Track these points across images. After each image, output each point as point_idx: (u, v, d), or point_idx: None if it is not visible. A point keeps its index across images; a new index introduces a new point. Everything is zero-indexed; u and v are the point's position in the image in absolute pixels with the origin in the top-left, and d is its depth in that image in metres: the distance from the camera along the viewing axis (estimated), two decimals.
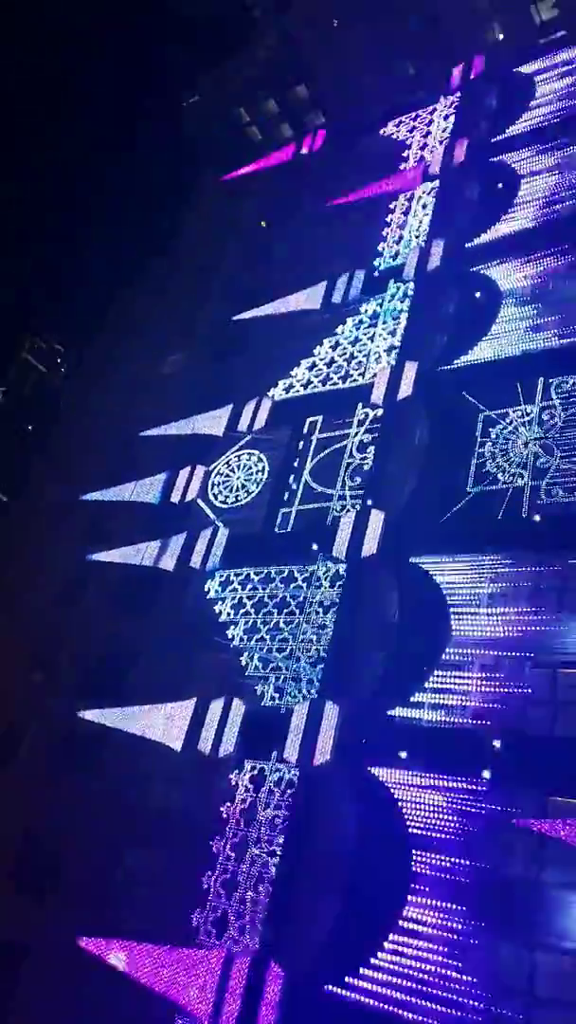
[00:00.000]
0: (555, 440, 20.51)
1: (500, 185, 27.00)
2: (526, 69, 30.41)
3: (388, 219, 28.78)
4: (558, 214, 25.03)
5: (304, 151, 35.62)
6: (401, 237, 28.11)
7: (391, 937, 15.61)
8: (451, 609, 19.13)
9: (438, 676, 18.38)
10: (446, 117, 31.05)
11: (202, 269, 34.79)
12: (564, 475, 19.84)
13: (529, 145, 27.69)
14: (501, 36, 34.02)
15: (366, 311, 27.01)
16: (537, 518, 19.04)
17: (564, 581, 18.48)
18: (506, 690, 17.62)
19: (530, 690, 17.43)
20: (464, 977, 14.89)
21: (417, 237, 27.56)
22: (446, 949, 15.22)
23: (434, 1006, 14.75)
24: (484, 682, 17.89)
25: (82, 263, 38.25)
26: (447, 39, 33.49)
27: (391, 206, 29.09)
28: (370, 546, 21.11)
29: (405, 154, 30.72)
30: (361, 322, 26.93)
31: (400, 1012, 14.93)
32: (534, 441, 20.79)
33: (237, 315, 30.34)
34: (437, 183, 28.62)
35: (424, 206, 28.49)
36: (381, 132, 32.09)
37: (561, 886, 15.31)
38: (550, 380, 21.54)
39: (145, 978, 16.96)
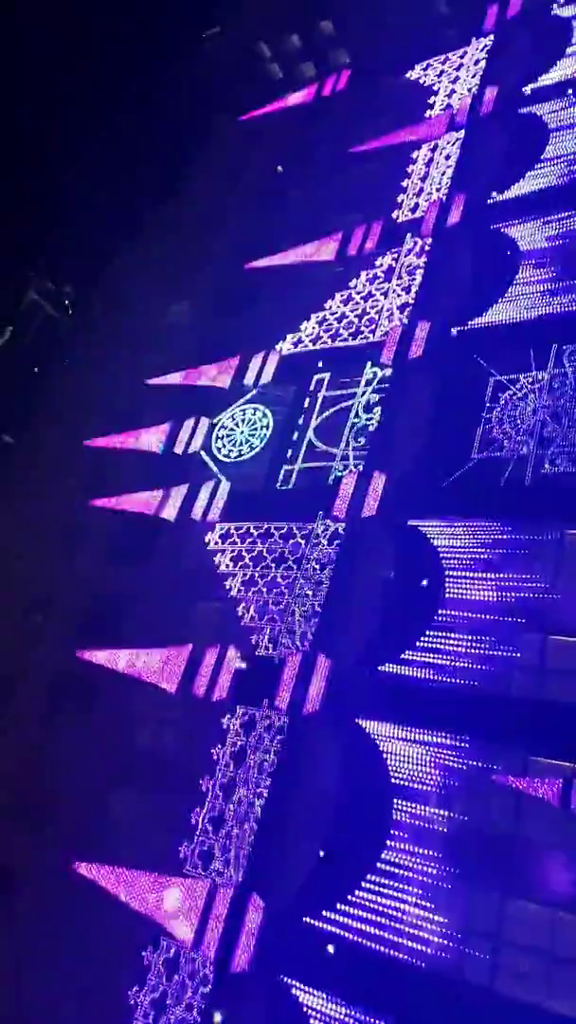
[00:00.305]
0: (565, 408, 20.86)
1: (527, 139, 26.67)
2: (564, 12, 29.60)
3: (409, 169, 28.50)
4: None
5: (326, 93, 34.90)
6: (422, 189, 27.89)
7: (368, 877, 16.77)
8: (446, 572, 19.85)
9: (429, 636, 19.20)
10: (476, 62, 30.39)
11: (213, 213, 34.54)
12: (572, 445, 20.24)
13: (562, 96, 27.20)
14: None
15: (381, 265, 27.02)
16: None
17: (561, 550, 19.12)
18: (495, 653, 18.42)
19: (519, 654, 18.23)
20: (436, 917, 16.05)
21: (438, 190, 27.37)
22: (420, 891, 16.35)
23: (406, 942, 15.96)
24: (474, 644, 18.69)
25: (91, 202, 37.84)
26: None
27: (413, 156, 28.77)
28: (370, 507, 21.72)
29: (431, 100, 30.15)
30: (375, 277, 26.96)
31: (373, 945, 16.17)
32: (543, 409, 21.13)
33: (248, 263, 30.31)
34: (463, 133, 28.24)
35: (447, 157, 28.15)
36: (408, 76, 31.45)
37: (534, 841, 16.36)
38: (564, 347, 21.77)
39: (134, 903, 18.34)
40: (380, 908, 16.55)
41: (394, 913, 16.52)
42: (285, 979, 16.42)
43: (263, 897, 17.34)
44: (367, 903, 16.66)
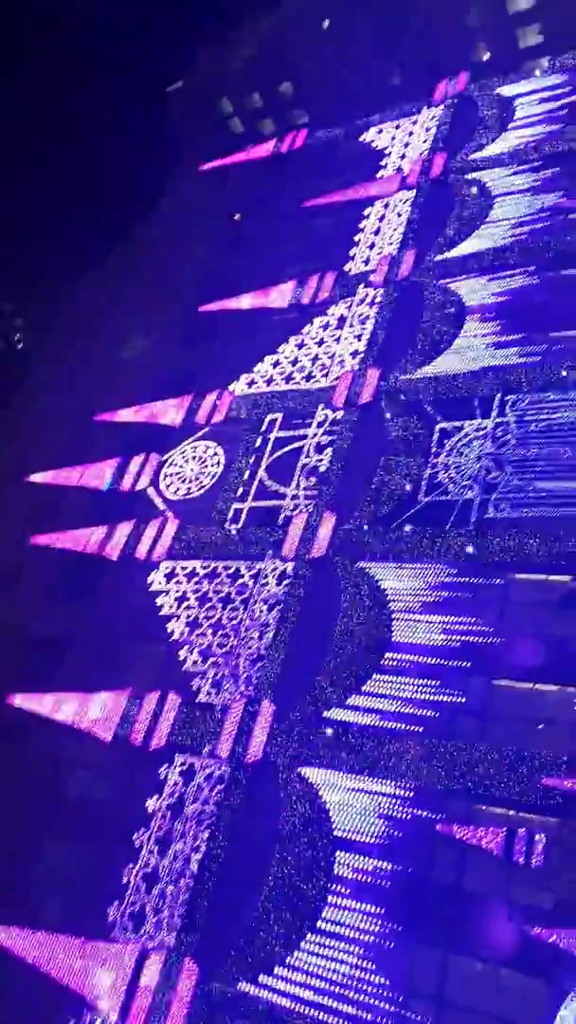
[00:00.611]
0: (508, 456, 21.48)
1: (473, 202, 28.14)
2: (507, 91, 31.70)
3: (362, 225, 29.69)
4: (527, 236, 26.19)
5: (284, 149, 36.37)
6: (373, 244, 29.02)
7: (308, 937, 16.12)
8: (393, 615, 19.87)
9: (376, 680, 19.05)
10: (427, 129, 32.16)
11: (172, 256, 35.22)
12: (513, 491, 20.78)
13: (505, 165, 28.90)
14: (487, 56, 35.39)
15: (333, 314, 27.81)
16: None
17: (506, 594, 19.39)
18: (441, 698, 18.35)
19: (464, 700, 18.21)
20: (376, 979, 15.46)
21: (389, 245, 28.51)
22: (361, 951, 15.78)
23: (344, 1007, 15.28)
24: (420, 689, 18.60)
25: (52, 238, 38.24)
26: (434, 53, 34.64)
27: (366, 212, 30.01)
28: (320, 547, 21.76)
29: (384, 162, 31.71)
30: (328, 324, 27.70)
31: (310, 1012, 15.42)
32: (487, 456, 21.72)
33: (204, 305, 30.83)
34: (412, 193, 29.64)
35: (399, 215, 29.46)
36: (361, 138, 33.08)
37: (478, 893, 16.04)
38: (507, 397, 22.57)
39: (57, 971, 17.14)
40: (319, 970, 15.87)
41: (334, 976, 15.86)
42: None
43: (197, 962, 16.48)
44: (306, 965, 15.96)
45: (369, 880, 16.62)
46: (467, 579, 19.55)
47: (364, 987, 15.54)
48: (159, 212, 38.53)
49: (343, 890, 16.64)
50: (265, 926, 16.66)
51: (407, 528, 21.08)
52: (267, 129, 39.53)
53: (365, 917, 16.22)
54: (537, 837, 15.38)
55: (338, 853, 17.02)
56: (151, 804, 19.15)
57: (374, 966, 15.69)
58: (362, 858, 16.86)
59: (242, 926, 16.79)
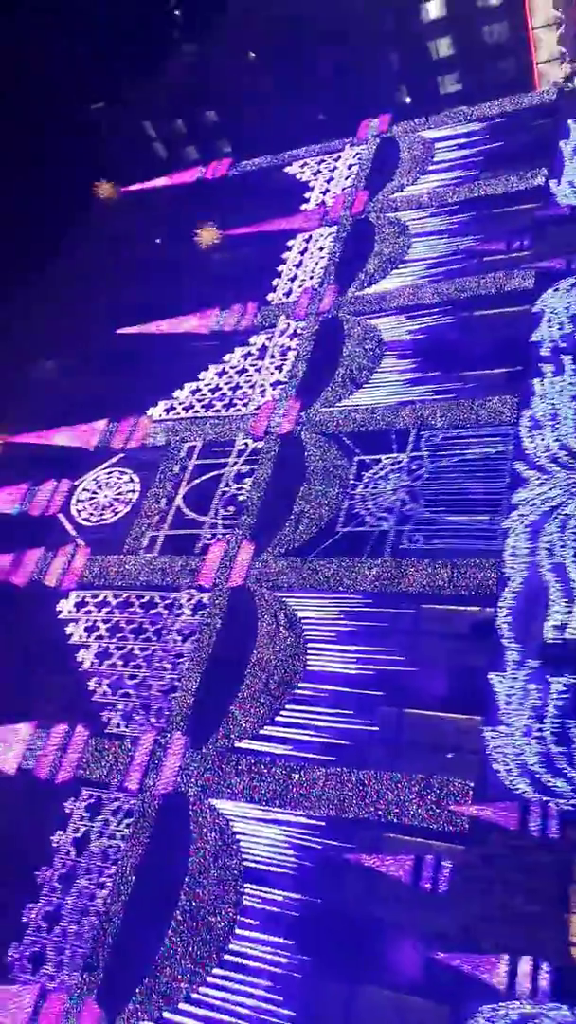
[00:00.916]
0: (421, 489, 22.48)
1: (394, 241, 29.50)
2: (428, 135, 33.48)
3: (284, 256, 30.61)
4: (441, 276, 27.65)
5: (208, 176, 37.11)
6: (295, 276, 29.95)
7: (214, 971, 16.18)
8: (308, 645, 20.35)
9: (289, 710, 19.43)
10: (349, 166, 33.54)
11: (89, 278, 35.18)
12: (427, 523, 21.75)
13: (423, 207, 30.45)
14: (408, 99, 37.30)
15: (255, 343, 28.46)
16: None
17: (416, 624, 20.21)
18: (353, 727, 18.89)
19: (376, 728, 18.80)
20: (284, 1011, 15.66)
21: (311, 278, 29.50)
22: (269, 983, 15.96)
23: None
24: (333, 719, 19.10)
25: None
26: (358, 92, 36.22)
27: (288, 244, 30.97)
28: (237, 576, 22.07)
29: (307, 195, 32.83)
30: (249, 353, 28.32)
31: None
32: (402, 488, 22.67)
33: (121, 329, 30.94)
34: (335, 229, 30.81)
35: (321, 248, 30.54)
36: (286, 171, 34.17)
37: (386, 921, 16.51)
38: (421, 432, 23.65)
39: None
40: (226, 1005, 15.94)
41: (240, 1011, 15.96)
42: None
43: (99, 1002, 16.24)
44: (212, 1000, 16.00)
45: (278, 911, 16.85)
46: (381, 609, 20.27)
47: (271, 1020, 15.69)
48: (78, 234, 38.42)
49: (252, 922, 16.79)
50: (171, 962, 16.61)
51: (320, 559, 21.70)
52: (191, 156, 40.22)
53: (273, 949, 16.42)
54: (444, 863, 15.97)
55: (247, 885, 17.17)
56: (55, 839, 18.82)
57: (282, 999, 15.88)
58: (272, 890, 17.08)
59: (147, 963, 16.67)
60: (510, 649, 18.00)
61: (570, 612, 18.22)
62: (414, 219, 30.15)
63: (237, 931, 16.61)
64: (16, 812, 19.98)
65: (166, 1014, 15.94)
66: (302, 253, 30.60)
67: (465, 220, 29.24)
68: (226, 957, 16.35)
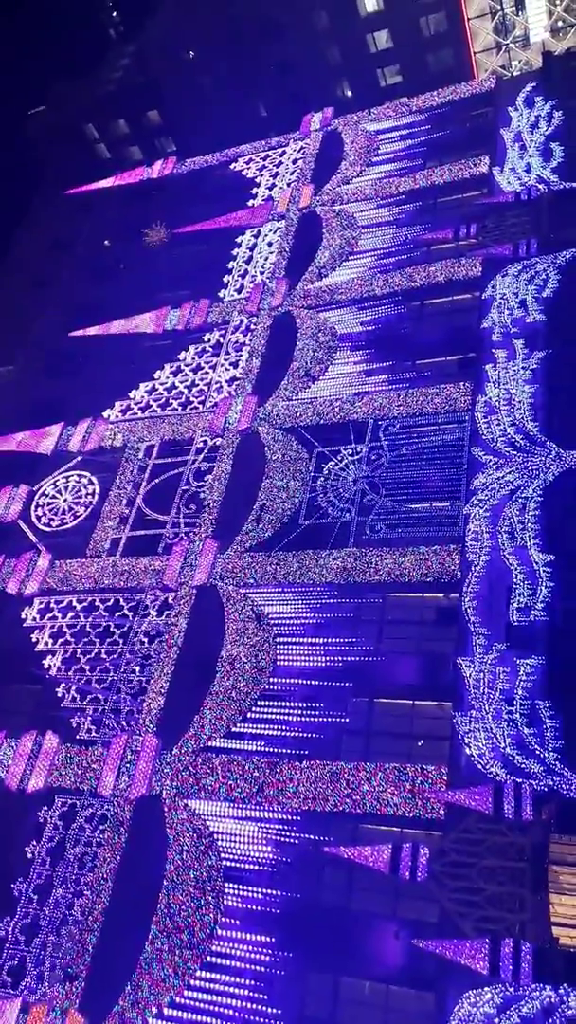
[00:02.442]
0: (381, 479, 22.10)
1: (342, 233, 29.00)
2: (371, 127, 33.02)
3: (234, 252, 29.90)
4: (391, 266, 27.26)
5: (153, 175, 36.14)
6: (246, 272, 29.27)
7: (198, 974, 15.68)
8: (277, 639, 19.86)
9: (261, 706, 18.93)
10: (294, 161, 32.91)
11: (38, 282, 34.07)
12: (387, 512, 21.39)
13: (369, 198, 30.00)
14: (349, 93, 36.74)
15: (209, 340, 27.75)
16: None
17: (382, 614, 19.84)
18: (325, 719, 18.48)
19: (347, 719, 18.41)
20: (269, 1009, 15.24)
21: (261, 273, 28.86)
22: (253, 982, 15.52)
23: None
24: (304, 712, 18.65)
25: None
26: (299, 87, 35.59)
27: (237, 240, 30.26)
28: (202, 574, 21.47)
29: (254, 191, 32.15)
30: (204, 351, 27.61)
31: None
32: (363, 479, 22.26)
33: (73, 331, 29.96)
34: (283, 223, 30.19)
35: (269, 244, 29.91)
36: (232, 167, 33.41)
37: (366, 912, 16.17)
38: (379, 422, 23.25)
39: None
40: (211, 1007, 15.45)
41: (226, 1011, 15.49)
42: None
43: (81, 1012, 15.62)
44: (197, 1003, 15.50)
45: (258, 909, 16.40)
46: (346, 600, 19.87)
47: (257, 1019, 15.26)
48: (22, 237, 37.22)
49: (233, 921, 16.32)
50: (153, 966, 16.06)
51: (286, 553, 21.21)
52: (135, 156, 39.16)
53: (255, 947, 15.97)
54: (421, 851, 15.66)
55: (227, 884, 16.68)
56: (29, 851, 18.11)
57: (266, 996, 15.47)
58: (251, 888, 16.62)
59: (129, 969, 16.09)
60: (476, 634, 17.72)
61: (534, 594, 18.00)
62: (361, 211, 29.70)
63: (218, 931, 16.09)
64: None
65: (151, 1020, 15.37)
66: (251, 249, 29.94)
67: (411, 210, 28.88)
68: (209, 959, 15.84)
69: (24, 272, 35.60)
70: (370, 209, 29.50)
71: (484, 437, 21.11)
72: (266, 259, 29.34)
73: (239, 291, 28.95)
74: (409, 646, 19.18)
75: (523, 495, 19.56)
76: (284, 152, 33.47)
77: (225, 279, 29.48)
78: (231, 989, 15.56)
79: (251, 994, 15.44)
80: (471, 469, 20.69)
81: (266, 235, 30.18)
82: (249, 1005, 15.29)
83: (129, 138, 38.85)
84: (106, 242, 35.29)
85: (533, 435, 20.61)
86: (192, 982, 15.64)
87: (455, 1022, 13.77)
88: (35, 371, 31.37)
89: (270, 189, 32.12)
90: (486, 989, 13.88)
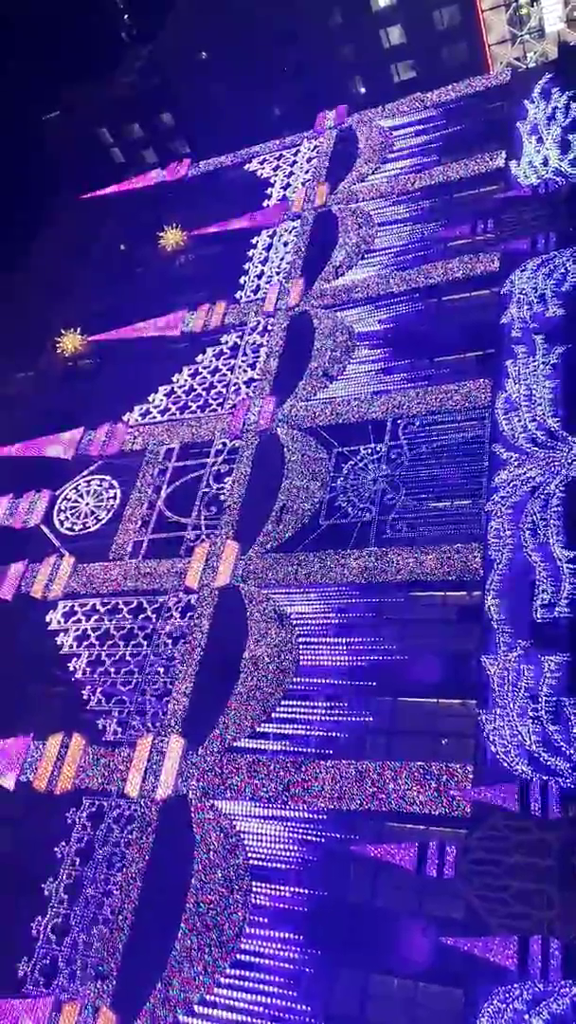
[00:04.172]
0: (401, 478, 22.34)
1: (358, 231, 29.26)
2: (386, 124, 33.25)
3: (250, 253, 30.28)
4: (408, 263, 27.47)
5: (168, 178, 36.64)
6: (262, 273, 29.64)
7: (227, 971, 16.02)
8: (300, 639, 20.16)
9: (285, 705, 19.24)
10: (309, 160, 33.24)
11: (55, 287, 34.70)
12: (408, 511, 21.62)
13: (385, 196, 30.23)
14: (363, 90, 36.97)
15: (226, 343, 28.16)
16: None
17: (405, 613, 20.08)
18: (349, 718, 18.76)
19: (371, 719, 18.68)
20: (298, 1006, 15.55)
21: (278, 274, 29.22)
22: (281, 979, 15.84)
23: None
24: (328, 711, 18.95)
25: None
26: (312, 85, 35.89)
27: (253, 241, 30.65)
28: (224, 576, 21.82)
29: (268, 191, 32.53)
30: (221, 352, 28.01)
31: None
32: (382, 478, 22.52)
33: (92, 336, 30.51)
34: (298, 223, 30.53)
35: (285, 244, 30.25)
36: (246, 168, 33.81)
37: (393, 909, 16.42)
38: (398, 421, 23.48)
39: None
40: (241, 1004, 15.78)
41: (256, 1008, 15.81)
42: None
43: (114, 1009, 16.04)
44: (226, 1000, 15.85)
45: (286, 907, 16.71)
46: (368, 600, 20.13)
47: (287, 1016, 15.57)
48: (38, 243, 37.88)
49: (261, 920, 16.64)
50: (183, 964, 16.43)
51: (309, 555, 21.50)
52: (149, 159, 39.70)
53: (284, 945, 16.28)
54: (448, 849, 15.87)
55: (254, 883, 17.00)
56: (59, 851, 18.58)
57: (295, 994, 15.77)
58: (278, 886, 16.93)
59: (159, 967, 16.47)
60: (500, 631, 17.90)
61: (557, 590, 18.13)
62: (377, 208, 29.95)
63: (247, 929, 16.42)
64: (18, 827, 19.69)
65: (182, 1017, 15.74)
66: (267, 249, 30.30)
67: (427, 206, 29.07)
68: (238, 956, 16.17)
69: (42, 278, 36.25)
70: (386, 206, 29.74)
71: (505, 434, 21.26)
72: (282, 259, 29.69)
73: (256, 292, 29.32)
74: (432, 645, 19.39)
75: (545, 491, 19.69)
76: (298, 151, 33.82)
77: (241, 280, 29.89)
78: (260, 986, 15.88)
79: (280, 991, 15.75)
80: (492, 466, 20.86)
81: (282, 235, 30.53)
82: (278, 1002, 15.61)
83: (143, 141, 39.40)
84: (122, 246, 35.85)
85: (554, 431, 20.72)
86: (222, 979, 15.98)
87: (484, 1019, 13.94)
88: (54, 377, 31.96)
89: (285, 189, 32.49)
90: (515, 986, 14.06)
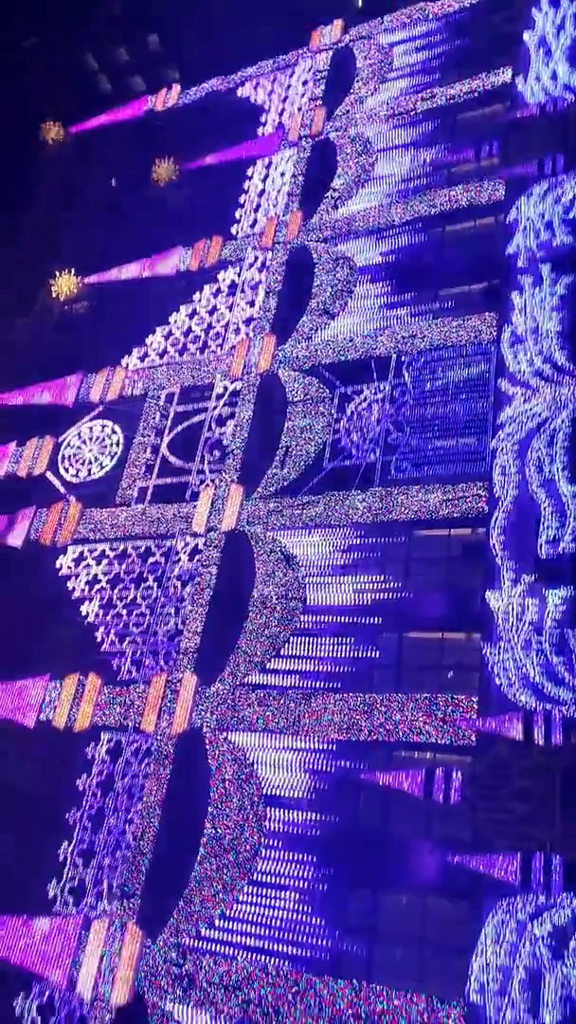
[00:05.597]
0: (406, 417, 22.74)
1: (357, 159, 28.87)
2: (384, 40, 32.29)
3: (245, 186, 29.97)
4: (410, 191, 27.19)
5: (158, 107, 35.84)
6: (259, 205, 29.38)
7: (245, 890, 17.41)
8: (306, 579, 20.99)
9: (293, 643, 20.22)
10: (304, 83, 32.48)
11: (47, 227, 34.39)
12: (413, 451, 22.11)
13: (386, 119, 29.65)
14: (360, 3, 35.73)
15: (224, 279, 28.16)
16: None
17: (410, 551, 20.82)
18: (356, 654, 19.72)
19: (378, 653, 19.63)
20: (313, 920, 16.94)
21: (275, 206, 28.97)
22: (297, 896, 17.23)
23: (285, 948, 16.72)
24: (335, 647, 19.90)
25: None
26: (306, 2, 34.70)
27: (248, 172, 30.28)
28: (229, 520, 22.54)
29: (263, 118, 31.95)
30: (219, 291, 28.06)
31: (253, 956, 16.75)
32: (387, 418, 22.92)
33: (87, 278, 30.49)
34: (295, 151, 30.08)
35: (282, 174, 29.90)
36: (238, 93, 33.05)
37: (402, 833, 17.65)
38: (402, 358, 23.73)
39: (2, 951, 17.94)
40: (259, 918, 17.20)
41: (273, 922, 17.23)
42: (167, 1007, 16.62)
43: (140, 925, 17.50)
44: (245, 915, 17.26)
45: (299, 831, 18.00)
46: (373, 539, 20.85)
47: (303, 928, 16.99)
48: (25, 181, 37.24)
49: (275, 843, 17.95)
50: (203, 884, 17.80)
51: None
52: (138, 87, 38.68)
53: (298, 866, 17.62)
54: (454, 775, 16.97)
55: (269, 810, 18.23)
56: (80, 783, 19.87)
57: (310, 909, 17.16)
58: (291, 812, 18.19)
59: (181, 887, 17.85)
60: (504, 567, 18.62)
61: (562, 526, 18.75)
62: (378, 132, 29.44)
63: (262, 852, 17.71)
64: (40, 762, 21.06)
65: (204, 931, 17.17)
66: (263, 180, 29.98)
67: (430, 130, 28.56)
68: (255, 876, 17.52)
69: (31, 217, 35.90)
70: (386, 131, 29.24)
71: (510, 369, 21.56)
72: (279, 191, 29.40)
73: (252, 226, 29.14)
74: (437, 582, 20.22)
75: (551, 427, 20.11)
76: (293, 73, 33.00)
77: (237, 214, 29.66)
78: (276, 902, 17.27)
79: (295, 906, 17.16)
80: (498, 402, 21.22)
81: (277, 165, 30.17)
82: (294, 916, 17.03)
83: (130, 67, 38.33)
84: (112, 181, 35.38)
85: (561, 364, 20.99)
86: (240, 897, 17.38)
87: (489, 928, 15.19)
88: (50, 321, 32.06)
89: (280, 116, 31.88)
90: (518, 898, 15.27)
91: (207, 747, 19.35)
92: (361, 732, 18.32)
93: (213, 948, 17.03)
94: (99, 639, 22.16)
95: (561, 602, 17.82)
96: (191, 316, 27.97)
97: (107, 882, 18.36)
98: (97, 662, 21.72)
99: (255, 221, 29.27)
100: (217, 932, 17.26)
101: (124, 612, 22.44)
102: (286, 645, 20.20)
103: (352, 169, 28.84)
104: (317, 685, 19.47)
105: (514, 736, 16.90)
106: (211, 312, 27.77)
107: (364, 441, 22.82)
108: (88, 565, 23.86)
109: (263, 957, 16.68)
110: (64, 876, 18.92)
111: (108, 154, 36.02)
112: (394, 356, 23.85)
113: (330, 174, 29.16)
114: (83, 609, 22.93)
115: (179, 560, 22.59)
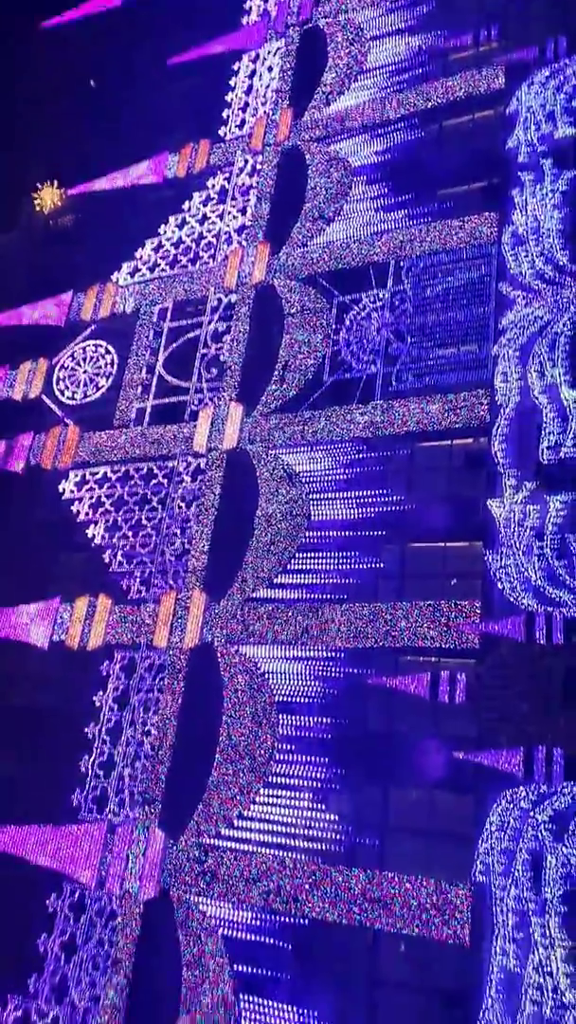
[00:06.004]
0: (407, 326, 22.43)
1: (348, 49, 27.40)
2: None
3: (232, 82, 28.51)
4: (406, 83, 25.97)
5: None
6: (247, 104, 28.05)
7: (261, 792, 18.39)
8: (309, 496, 21.23)
9: (299, 558, 20.64)
10: None
11: (23, 134, 32.91)
12: (415, 361, 21.93)
13: (377, 3, 28.00)
14: None
15: (213, 186, 27.20)
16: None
17: (412, 463, 20.98)
18: (360, 566, 20.16)
19: (382, 564, 20.08)
20: (328, 816, 17.98)
21: (263, 104, 27.67)
22: (311, 795, 18.23)
23: (302, 843, 17.82)
24: (340, 560, 20.33)
25: None
26: None
27: (235, 67, 28.76)
28: (230, 438, 22.57)
29: (247, 6, 30.07)
30: (208, 199, 27.14)
31: (272, 852, 17.89)
32: (386, 327, 22.62)
33: (70, 189, 29.45)
34: (283, 43, 28.51)
35: (270, 68, 28.43)
36: None
37: (409, 733, 18.50)
38: (401, 263, 23.21)
39: (32, 856, 19.12)
40: (275, 816, 18.25)
41: (289, 820, 18.29)
42: (194, 900, 17.84)
43: (161, 828, 18.57)
44: (263, 814, 18.30)
45: (311, 735, 18.86)
46: (375, 453, 20.96)
47: (318, 824, 18.05)
48: (3, 81, 35.42)
49: (288, 747, 18.84)
50: (220, 788, 18.79)
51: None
52: None
53: (311, 767, 18.56)
54: (459, 677, 17.67)
55: (281, 716, 19.06)
56: (97, 700, 20.68)
57: (324, 806, 18.19)
58: (303, 717, 19.03)
59: (200, 792, 18.84)
60: (506, 475, 18.81)
61: (563, 431, 18.83)
62: (369, 19, 27.83)
63: (276, 756, 18.61)
64: (56, 682, 21.83)
65: (224, 830, 18.24)
66: (251, 77, 28.52)
67: (424, 13, 26.99)
68: (270, 779, 18.46)
69: (6, 124, 34.31)
70: (380, 16, 27.63)
71: (512, 271, 21.15)
72: (267, 87, 28.01)
73: (240, 126, 27.94)
74: (439, 492, 20.46)
75: (553, 330, 19.91)
76: None
77: (225, 114, 28.38)
78: (292, 802, 18.29)
79: (310, 804, 18.18)
80: (499, 307, 20.92)
81: (265, 59, 28.64)
82: (309, 814, 18.07)
83: None
84: (92, 81, 33.64)
85: (563, 265, 20.60)
86: (256, 798, 18.38)
87: (494, 816, 16.14)
88: (31, 238, 31.14)
89: (265, 2, 29.99)
90: (521, 788, 16.16)
91: (219, 659, 20.07)
92: (367, 640, 19.01)
93: (233, 846, 18.18)
94: (107, 561, 22.58)
95: (562, 507, 18.14)
96: (180, 227, 27.14)
97: (128, 790, 19.40)
98: (106, 583, 22.22)
99: (243, 121, 28.02)
100: (236, 831, 18.36)
101: (130, 534, 22.79)
102: (292, 560, 20.64)
103: (343, 60, 27.40)
104: (323, 597, 20.03)
105: (517, 638, 17.52)
106: (201, 221, 26.92)
107: (364, 353, 22.60)
108: (91, 488, 24.04)
109: (281, 852, 17.82)
110: (87, 786, 20.00)
111: (87, 50, 34.08)
112: (392, 261, 23.33)
113: (320, 67, 27.75)
114: (89, 532, 23.26)
115: (182, 481, 22.75)
